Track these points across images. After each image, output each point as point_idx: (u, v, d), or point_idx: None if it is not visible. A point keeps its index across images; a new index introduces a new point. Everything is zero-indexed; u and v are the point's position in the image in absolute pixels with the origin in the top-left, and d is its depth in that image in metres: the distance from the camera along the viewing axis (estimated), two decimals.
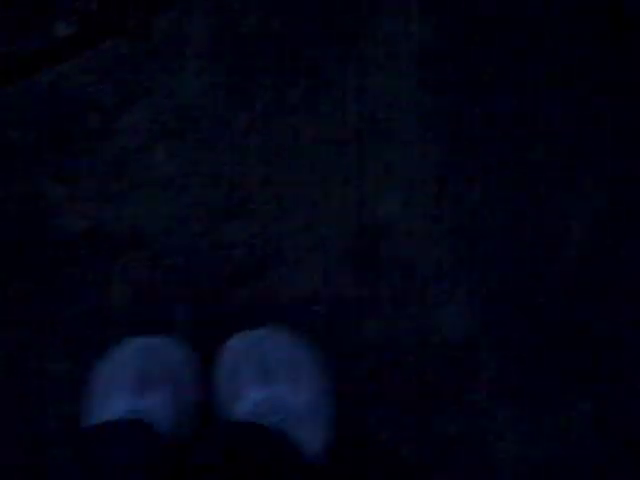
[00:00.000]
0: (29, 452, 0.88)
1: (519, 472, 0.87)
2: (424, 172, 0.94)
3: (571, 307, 0.91)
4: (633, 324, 0.90)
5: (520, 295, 0.91)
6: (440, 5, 0.97)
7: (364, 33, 0.97)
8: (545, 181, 0.94)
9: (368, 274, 0.92)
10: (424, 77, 0.96)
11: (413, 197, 0.93)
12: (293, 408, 0.80)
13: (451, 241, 0.92)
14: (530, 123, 0.95)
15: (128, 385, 0.80)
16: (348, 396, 0.89)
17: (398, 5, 0.98)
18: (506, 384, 0.89)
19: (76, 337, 0.90)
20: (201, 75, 0.96)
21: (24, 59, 0.99)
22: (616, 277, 0.91)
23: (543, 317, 0.90)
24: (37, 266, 0.92)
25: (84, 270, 0.92)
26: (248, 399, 0.81)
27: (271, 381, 0.81)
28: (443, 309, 0.91)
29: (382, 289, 0.91)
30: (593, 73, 0.96)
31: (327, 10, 0.98)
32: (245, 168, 0.94)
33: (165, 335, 0.86)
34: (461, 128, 0.95)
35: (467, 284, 0.91)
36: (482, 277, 0.91)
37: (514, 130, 0.95)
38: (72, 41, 0.99)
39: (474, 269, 0.91)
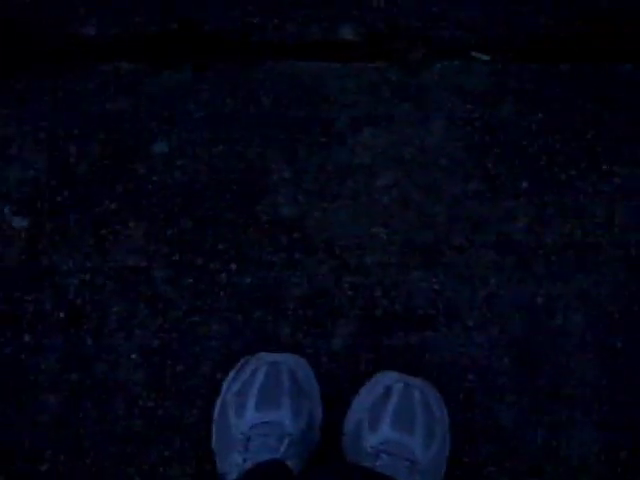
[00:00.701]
0: None
1: None
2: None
3: None
4: None
5: None
6: None
7: None
8: None
9: (524, 370, 0.93)
10: None
11: (594, 316, 0.95)
12: (420, 461, 0.82)
13: (612, 378, 0.93)
14: None
15: (257, 398, 0.85)
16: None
17: None
18: None
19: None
20: (445, 130, 1.00)
21: (297, 46, 1.05)
22: None
23: None
24: (244, 240, 0.98)
25: (276, 254, 0.97)
26: (381, 435, 0.83)
27: (409, 429, 0.84)
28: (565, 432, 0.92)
29: (532, 386, 0.93)
30: None
31: None
32: (459, 225, 0.97)
33: (293, 353, 0.91)
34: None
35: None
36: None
37: None
38: (348, 47, 1.04)
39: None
